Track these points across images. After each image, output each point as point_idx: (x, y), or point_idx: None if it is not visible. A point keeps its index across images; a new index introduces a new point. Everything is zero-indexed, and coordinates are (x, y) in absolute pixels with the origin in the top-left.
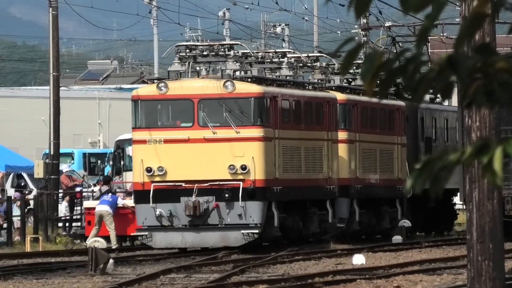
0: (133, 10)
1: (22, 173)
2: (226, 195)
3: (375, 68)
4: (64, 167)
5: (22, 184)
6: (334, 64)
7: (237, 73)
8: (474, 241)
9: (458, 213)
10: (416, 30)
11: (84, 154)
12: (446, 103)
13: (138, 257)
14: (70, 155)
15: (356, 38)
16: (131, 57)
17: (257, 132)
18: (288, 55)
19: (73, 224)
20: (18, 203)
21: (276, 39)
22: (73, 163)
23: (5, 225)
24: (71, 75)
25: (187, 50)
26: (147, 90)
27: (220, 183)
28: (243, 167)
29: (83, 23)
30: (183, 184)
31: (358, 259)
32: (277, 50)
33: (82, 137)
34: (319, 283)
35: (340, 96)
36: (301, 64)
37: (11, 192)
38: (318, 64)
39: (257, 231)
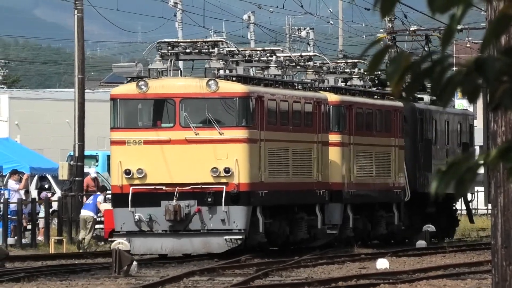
0: (158, 13)
1: (47, 175)
2: (209, 199)
3: (402, 69)
4: (92, 171)
5: (46, 186)
6: (329, 64)
7: (221, 71)
8: (499, 246)
9: (460, 219)
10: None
11: (109, 156)
12: (455, 105)
13: (162, 259)
14: (94, 157)
15: (382, 42)
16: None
17: (241, 133)
18: (278, 54)
19: (97, 226)
20: (43, 204)
21: (301, 43)
22: (97, 165)
23: (29, 227)
24: (95, 77)
25: (169, 47)
26: (127, 88)
27: (203, 186)
28: (227, 170)
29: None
30: (164, 188)
31: (382, 264)
32: (266, 48)
33: (107, 139)
34: (343, 287)
35: (333, 97)
36: (293, 64)
37: (35, 194)
38: (311, 63)
39: (240, 237)
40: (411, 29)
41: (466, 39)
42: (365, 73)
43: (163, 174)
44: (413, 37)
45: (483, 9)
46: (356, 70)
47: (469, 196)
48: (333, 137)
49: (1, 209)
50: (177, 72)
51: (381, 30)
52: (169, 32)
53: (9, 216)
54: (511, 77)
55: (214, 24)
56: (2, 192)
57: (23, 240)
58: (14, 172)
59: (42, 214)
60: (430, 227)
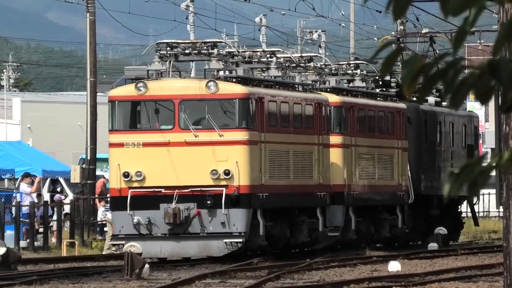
0: (170, 16)
1: (59, 178)
2: (208, 202)
3: (415, 72)
4: (107, 175)
5: (58, 189)
6: (330, 65)
7: (221, 72)
8: (511, 248)
9: (465, 221)
10: (453, 36)
11: None
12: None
13: (174, 262)
14: (106, 160)
15: (394, 44)
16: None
17: (241, 135)
18: (278, 55)
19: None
20: (56, 208)
21: (313, 45)
22: (109, 168)
23: (41, 230)
24: (108, 80)
25: (168, 48)
26: (125, 90)
27: (202, 189)
28: (227, 172)
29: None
30: (163, 190)
31: (394, 266)
32: (266, 49)
33: None
34: None
35: (334, 98)
36: (294, 65)
37: (47, 197)
38: (312, 64)
39: (241, 240)
40: (423, 31)
41: (478, 41)
42: (378, 75)
43: (162, 176)
44: (419, 38)
45: (495, 11)
46: (358, 71)
47: (474, 199)
48: (334, 139)
49: (13, 212)
50: (177, 74)
51: (393, 33)
52: (181, 34)
53: (21, 219)
54: None
55: (226, 27)
56: (14, 195)
57: (35, 243)
58: (26, 175)
59: (55, 217)
60: (442, 230)
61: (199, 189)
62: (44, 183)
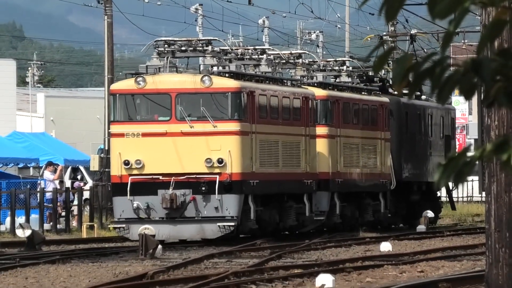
0: (180, 18)
1: (79, 166)
2: (203, 188)
3: (405, 70)
4: None
5: (79, 176)
6: (316, 61)
7: (215, 68)
8: (492, 230)
9: (443, 206)
10: (439, 37)
11: None
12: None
13: (184, 243)
14: None
15: (385, 45)
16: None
17: (233, 126)
18: (268, 52)
19: None
20: (76, 194)
21: (311, 45)
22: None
23: (63, 214)
24: (123, 77)
25: (166, 45)
26: (126, 84)
27: (197, 176)
28: (220, 161)
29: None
30: (160, 177)
31: (385, 246)
32: (257, 47)
33: None
34: (350, 268)
35: (320, 92)
36: (284, 61)
37: (69, 183)
38: (300, 61)
39: (233, 223)
40: (411, 32)
41: (462, 41)
42: (363, 71)
43: (160, 164)
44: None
45: (478, 14)
46: (344, 67)
47: (450, 185)
48: (321, 130)
49: (38, 197)
50: (173, 69)
51: (384, 33)
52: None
53: (45, 204)
54: (505, 76)
55: (232, 28)
56: (38, 182)
57: (58, 226)
58: (50, 164)
59: (75, 202)
60: (429, 213)
61: (194, 176)
62: (66, 171)
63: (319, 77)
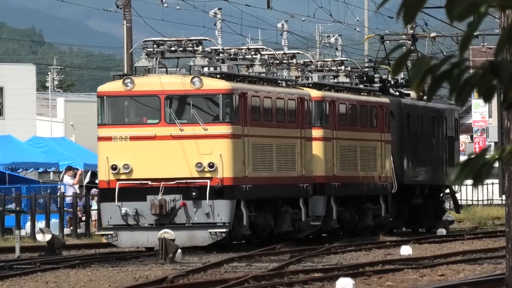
0: (199, 23)
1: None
2: (193, 194)
3: (423, 72)
4: None
5: (97, 181)
6: (311, 62)
7: (206, 69)
8: None
9: (447, 209)
10: (459, 39)
11: None
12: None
13: (204, 248)
14: None
15: (404, 47)
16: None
17: (225, 129)
18: (262, 52)
19: None
20: (96, 198)
21: (330, 48)
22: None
23: (83, 218)
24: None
25: (155, 46)
26: (113, 86)
27: (187, 181)
28: (211, 165)
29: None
30: (149, 182)
31: (406, 250)
32: (250, 47)
33: None
34: (370, 271)
35: (315, 93)
36: (277, 62)
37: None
38: (294, 61)
39: (225, 230)
40: (431, 35)
41: (482, 44)
42: (362, 71)
43: (149, 169)
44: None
45: (496, 17)
46: (342, 67)
47: (455, 188)
48: (316, 132)
49: (58, 202)
50: (163, 70)
51: (404, 37)
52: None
53: (65, 209)
54: None
55: (251, 32)
56: (58, 186)
57: (78, 230)
58: (69, 168)
59: (94, 206)
60: (449, 217)
61: (184, 181)
62: (85, 176)
63: (314, 77)
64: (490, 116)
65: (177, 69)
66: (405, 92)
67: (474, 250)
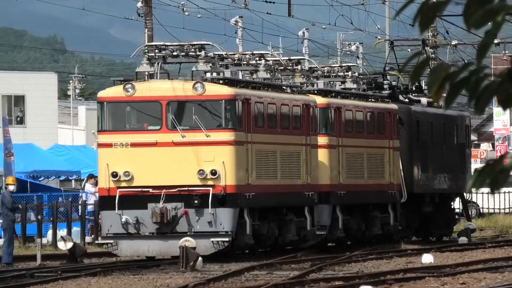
0: (220, 31)
1: None
2: (195, 202)
3: (441, 79)
4: None
5: None
6: (317, 68)
7: (208, 74)
8: None
9: (458, 218)
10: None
11: None
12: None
13: (224, 255)
14: None
15: (424, 54)
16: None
17: (228, 135)
18: (266, 58)
19: None
20: None
21: (351, 56)
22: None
23: None
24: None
25: (156, 51)
26: (114, 91)
27: (189, 189)
28: (213, 172)
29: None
30: (150, 190)
31: (427, 258)
32: (255, 52)
33: None
34: (391, 280)
35: (320, 100)
36: (282, 67)
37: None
38: (299, 67)
39: (227, 239)
40: (452, 43)
41: (503, 52)
42: (369, 77)
43: (150, 176)
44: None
45: None
46: (349, 73)
47: (466, 196)
48: (321, 139)
49: (80, 210)
50: (165, 75)
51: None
52: (231, 48)
53: (86, 217)
54: None
55: (271, 40)
56: (80, 195)
57: (100, 239)
58: (91, 176)
59: None
60: (471, 225)
61: (186, 189)
62: None
63: (320, 84)
64: (511, 124)
65: (177, 75)
66: (415, 98)
67: (495, 258)
